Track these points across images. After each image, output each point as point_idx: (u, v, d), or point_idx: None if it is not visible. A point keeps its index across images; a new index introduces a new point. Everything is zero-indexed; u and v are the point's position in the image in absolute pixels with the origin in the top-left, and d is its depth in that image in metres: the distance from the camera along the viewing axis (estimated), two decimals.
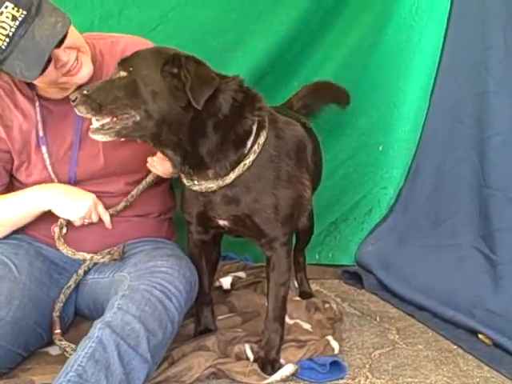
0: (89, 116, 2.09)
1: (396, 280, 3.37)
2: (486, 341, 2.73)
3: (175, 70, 2.06)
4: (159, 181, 2.55)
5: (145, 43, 2.44)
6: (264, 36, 3.42)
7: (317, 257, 3.79)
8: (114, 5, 3.11)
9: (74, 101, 2.07)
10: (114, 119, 2.08)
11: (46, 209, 2.35)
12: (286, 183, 2.29)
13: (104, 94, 2.07)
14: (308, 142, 2.54)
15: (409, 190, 3.71)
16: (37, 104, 2.38)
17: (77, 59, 2.24)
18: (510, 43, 3.04)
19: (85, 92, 2.07)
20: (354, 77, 3.66)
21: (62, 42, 2.14)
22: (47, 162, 2.40)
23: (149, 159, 2.42)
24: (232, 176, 2.20)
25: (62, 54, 2.18)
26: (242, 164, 2.20)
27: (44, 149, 2.39)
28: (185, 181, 2.29)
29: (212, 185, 2.21)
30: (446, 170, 3.43)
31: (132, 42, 2.47)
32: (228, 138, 2.17)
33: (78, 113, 2.10)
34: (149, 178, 2.50)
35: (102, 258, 2.34)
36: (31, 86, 2.37)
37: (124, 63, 2.11)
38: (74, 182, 2.43)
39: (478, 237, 3.12)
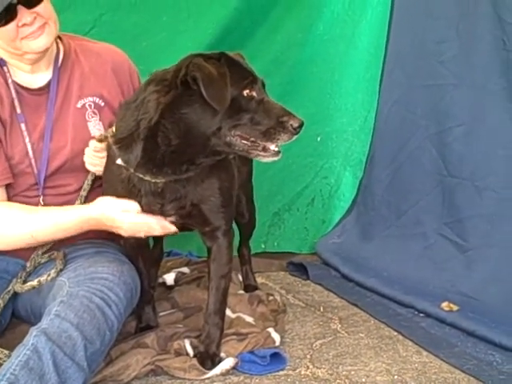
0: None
1: (362, 273, 3.38)
2: (446, 308, 2.85)
3: None
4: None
5: (116, 50, 2.59)
6: (194, 35, 3.50)
7: (262, 246, 3.85)
8: None
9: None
10: None
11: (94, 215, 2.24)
12: (223, 166, 2.30)
13: None
14: None
15: (367, 180, 3.77)
16: (9, 81, 2.35)
17: (41, 29, 2.25)
18: (463, 37, 3.11)
19: None
20: (285, 71, 3.77)
21: (33, 5, 2.19)
22: (26, 140, 2.35)
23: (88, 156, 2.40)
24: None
25: (29, 15, 2.19)
26: None
27: (23, 126, 2.36)
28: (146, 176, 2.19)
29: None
30: (401, 160, 3.48)
31: (105, 48, 2.57)
32: None
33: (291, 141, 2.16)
34: (90, 177, 2.46)
35: (48, 276, 2.26)
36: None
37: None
38: (46, 175, 2.38)
39: (442, 224, 3.19)
